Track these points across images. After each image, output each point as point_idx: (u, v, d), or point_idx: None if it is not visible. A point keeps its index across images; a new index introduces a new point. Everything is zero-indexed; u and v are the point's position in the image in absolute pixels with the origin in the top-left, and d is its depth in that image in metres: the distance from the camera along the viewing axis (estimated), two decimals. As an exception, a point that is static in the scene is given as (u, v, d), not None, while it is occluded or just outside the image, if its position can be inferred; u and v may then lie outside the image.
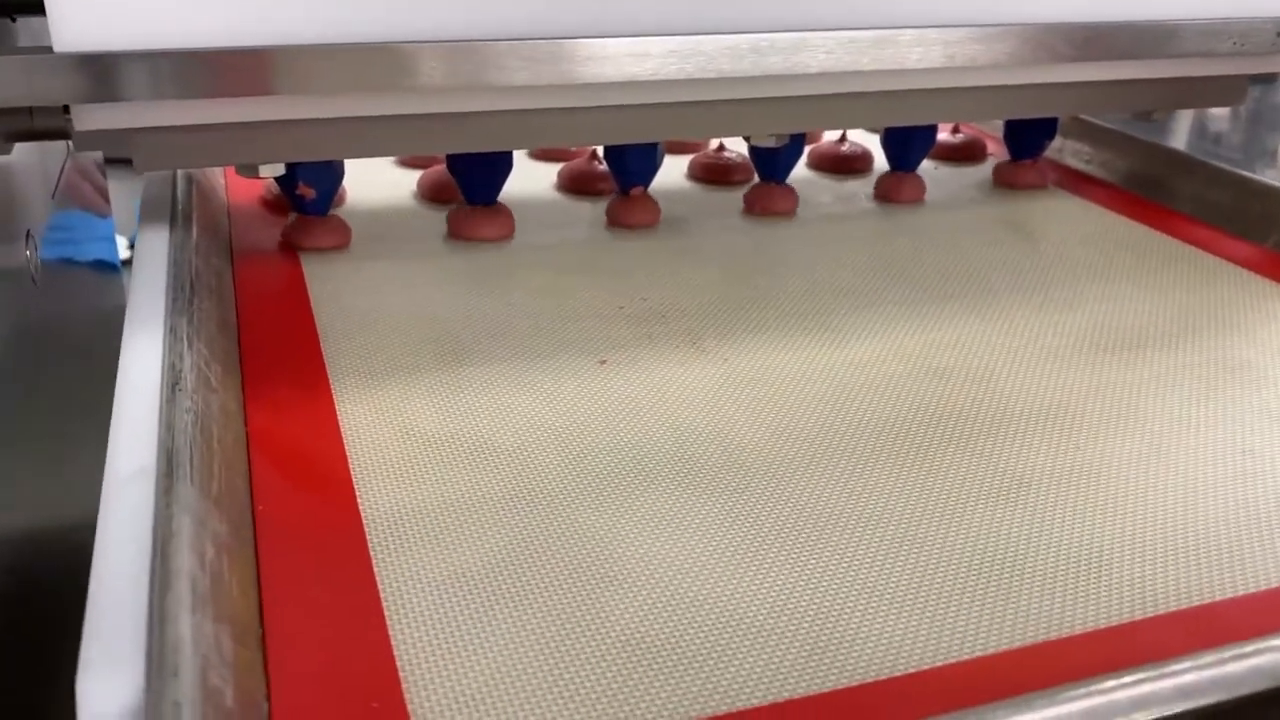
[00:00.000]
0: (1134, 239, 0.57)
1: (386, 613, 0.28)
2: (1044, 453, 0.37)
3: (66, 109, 0.40)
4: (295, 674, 0.26)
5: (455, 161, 0.54)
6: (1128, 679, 0.24)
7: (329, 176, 0.50)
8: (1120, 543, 0.32)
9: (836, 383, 0.41)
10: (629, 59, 0.43)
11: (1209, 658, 0.25)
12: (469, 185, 0.54)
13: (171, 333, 0.36)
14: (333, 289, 0.47)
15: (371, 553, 0.31)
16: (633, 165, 0.56)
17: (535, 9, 0.42)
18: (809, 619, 0.29)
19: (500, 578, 0.30)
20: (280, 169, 0.45)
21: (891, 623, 0.29)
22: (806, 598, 0.30)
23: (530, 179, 0.63)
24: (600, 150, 0.61)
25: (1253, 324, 0.48)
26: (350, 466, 0.34)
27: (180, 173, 0.50)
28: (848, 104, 0.51)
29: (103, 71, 0.36)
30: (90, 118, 0.39)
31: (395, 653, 0.27)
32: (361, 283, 0.48)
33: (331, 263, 0.50)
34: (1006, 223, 0.60)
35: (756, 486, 0.34)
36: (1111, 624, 0.29)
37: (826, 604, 0.29)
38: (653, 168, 0.57)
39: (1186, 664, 0.25)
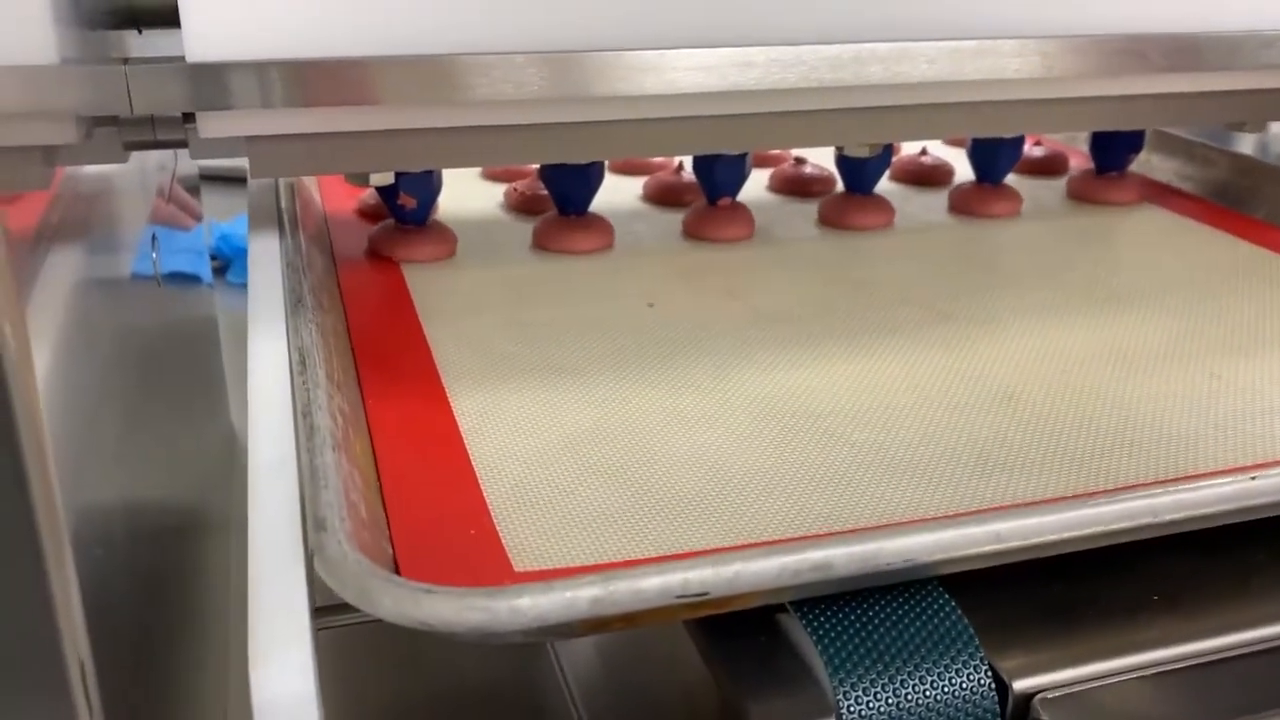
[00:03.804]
0: (1227, 252, 0.57)
1: (478, 471, 0.35)
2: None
3: (187, 118, 0.41)
4: (406, 511, 0.32)
5: (548, 171, 0.54)
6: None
7: (429, 187, 0.51)
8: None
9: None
10: (734, 69, 0.43)
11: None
12: (562, 195, 0.54)
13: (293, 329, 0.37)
14: (435, 299, 0.48)
15: (463, 435, 0.37)
16: (722, 176, 0.56)
17: (635, 20, 0.42)
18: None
19: (575, 452, 0.36)
20: (390, 178, 0.45)
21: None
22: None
23: (614, 191, 0.63)
24: (688, 162, 0.61)
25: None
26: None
27: (282, 182, 0.51)
28: (941, 114, 0.51)
29: (233, 80, 0.37)
30: (212, 126, 0.40)
31: (486, 498, 0.33)
32: (463, 295, 0.49)
33: (430, 271, 0.51)
34: (1098, 237, 0.60)
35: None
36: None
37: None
38: (741, 178, 0.57)
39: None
